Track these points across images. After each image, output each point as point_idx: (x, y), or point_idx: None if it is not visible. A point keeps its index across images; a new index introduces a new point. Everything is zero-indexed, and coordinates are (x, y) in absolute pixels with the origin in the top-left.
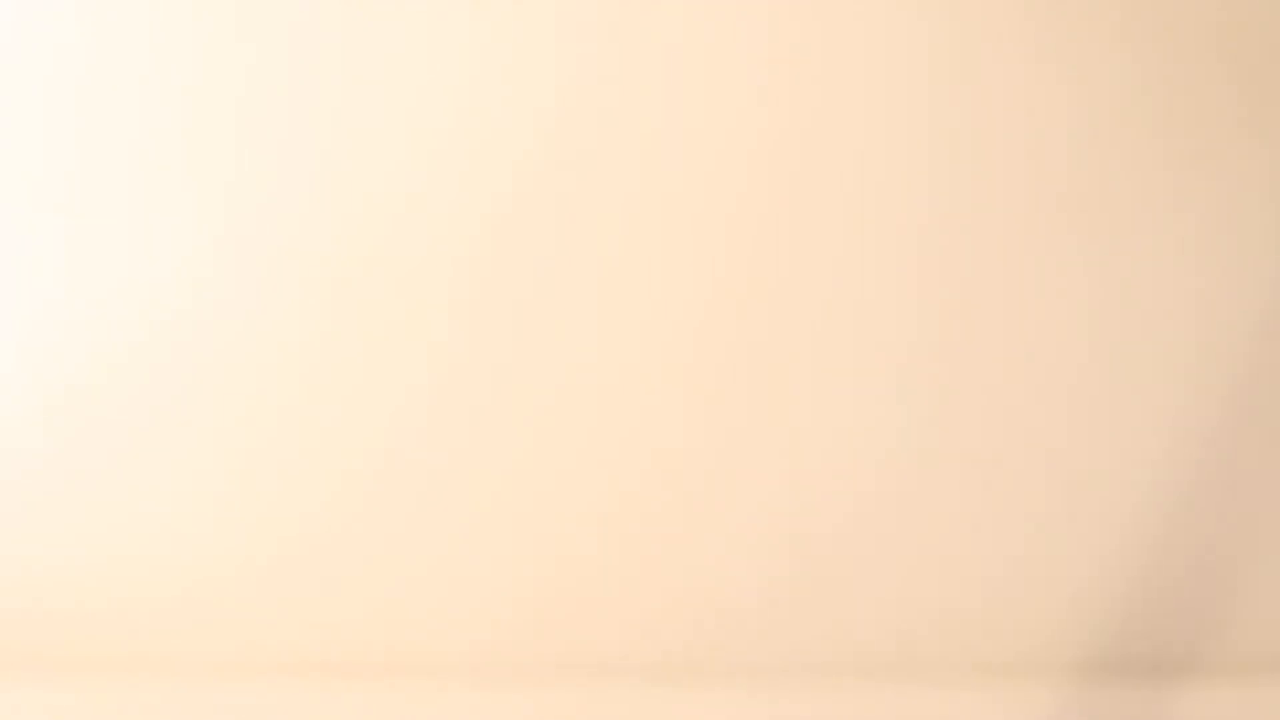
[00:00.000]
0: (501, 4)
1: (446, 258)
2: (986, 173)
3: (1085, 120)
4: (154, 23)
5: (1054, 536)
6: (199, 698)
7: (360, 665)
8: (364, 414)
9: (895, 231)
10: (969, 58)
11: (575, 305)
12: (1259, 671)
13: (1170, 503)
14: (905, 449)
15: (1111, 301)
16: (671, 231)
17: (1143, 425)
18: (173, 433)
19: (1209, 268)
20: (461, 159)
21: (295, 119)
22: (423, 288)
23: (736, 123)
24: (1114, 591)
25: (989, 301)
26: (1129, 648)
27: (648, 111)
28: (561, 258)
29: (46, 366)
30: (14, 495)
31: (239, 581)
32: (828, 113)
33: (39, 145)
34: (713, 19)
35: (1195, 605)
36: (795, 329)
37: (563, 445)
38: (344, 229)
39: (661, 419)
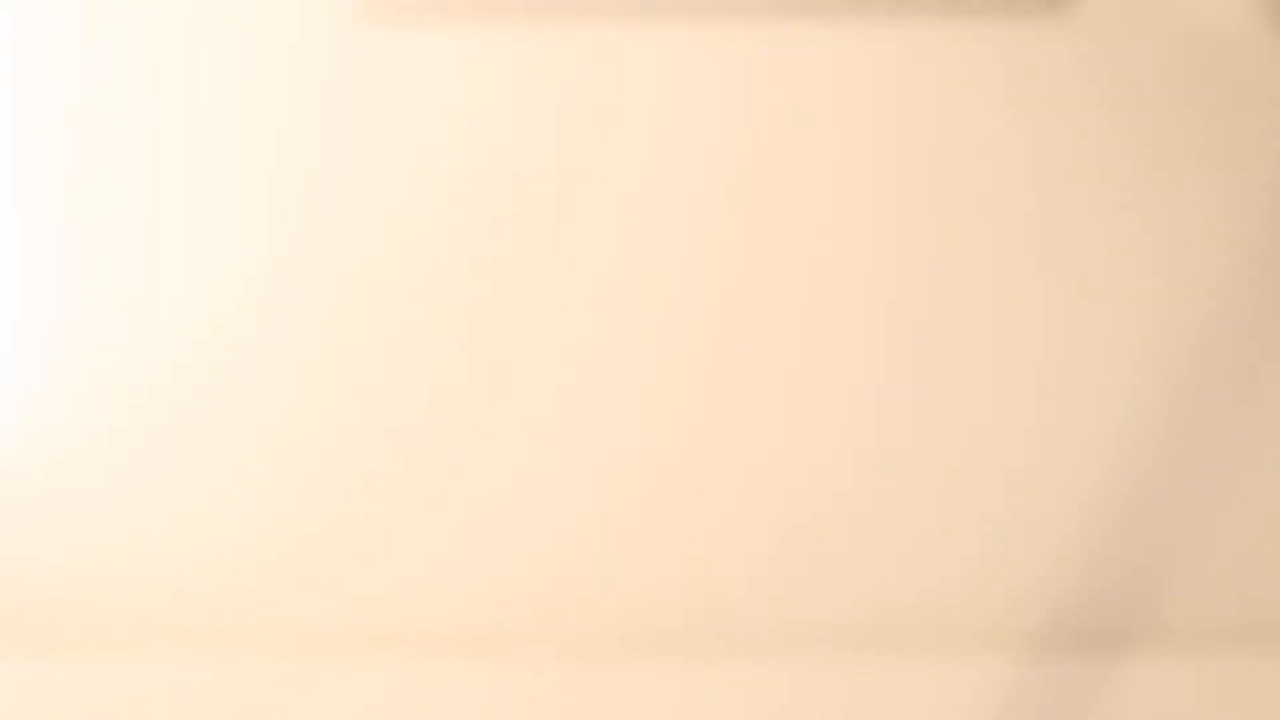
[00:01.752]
0: (510, 69)
1: (461, 267)
2: (958, 190)
3: (1051, 146)
4: (200, 69)
5: (1020, 521)
6: (225, 677)
7: (370, 644)
8: (384, 411)
9: (873, 247)
10: (938, 86)
11: (577, 310)
12: (1212, 641)
13: (1126, 485)
14: (884, 443)
15: (1075, 305)
16: (669, 243)
17: (1101, 418)
18: (201, 434)
19: (1164, 274)
20: (474, 187)
21: (325, 156)
22: (435, 293)
23: (731, 142)
24: (1076, 569)
25: (963, 305)
26: (1091, 620)
27: (647, 127)
28: (571, 272)
29: (79, 374)
30: (54, 492)
31: (261, 564)
32: (812, 131)
33: (76, 166)
34: (712, 46)
35: (1154, 580)
36: (787, 333)
37: (568, 438)
38: (361, 246)
39: (661, 416)
